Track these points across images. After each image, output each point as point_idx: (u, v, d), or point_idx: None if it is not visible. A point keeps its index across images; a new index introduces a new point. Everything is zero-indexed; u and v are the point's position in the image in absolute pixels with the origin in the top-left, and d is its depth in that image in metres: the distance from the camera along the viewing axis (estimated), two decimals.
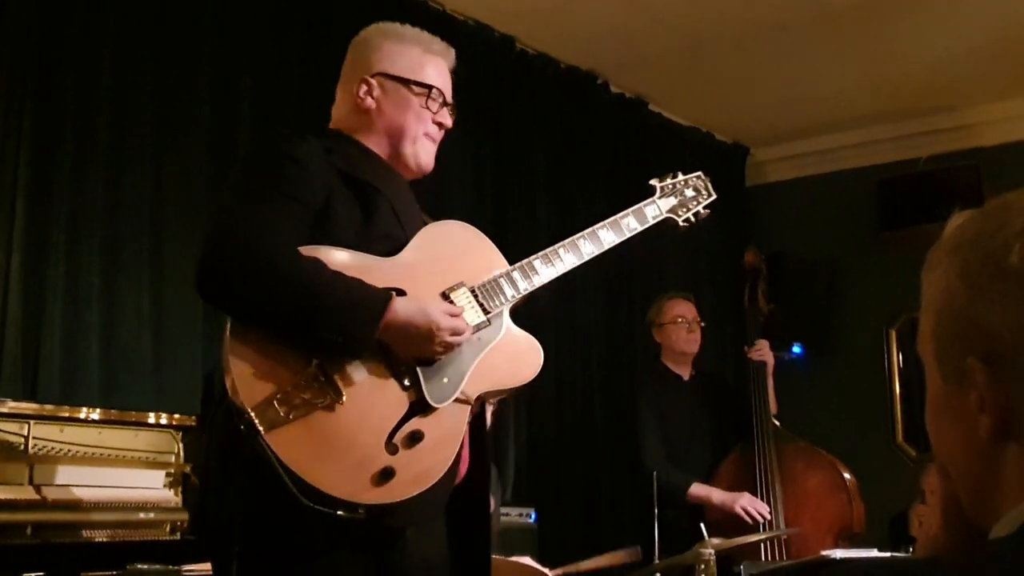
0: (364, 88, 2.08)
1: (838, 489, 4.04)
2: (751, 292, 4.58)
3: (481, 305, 1.99)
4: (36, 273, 3.05)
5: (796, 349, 5.60)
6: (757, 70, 4.98)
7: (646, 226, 2.30)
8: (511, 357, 2.04)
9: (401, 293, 1.88)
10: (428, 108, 2.10)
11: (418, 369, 1.88)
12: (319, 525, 1.74)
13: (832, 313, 5.74)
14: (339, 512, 1.73)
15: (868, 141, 5.67)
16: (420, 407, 1.87)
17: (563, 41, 4.67)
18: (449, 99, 2.16)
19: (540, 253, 2.11)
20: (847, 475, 4.05)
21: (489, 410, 3.46)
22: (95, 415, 2.74)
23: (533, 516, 3.98)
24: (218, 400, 1.90)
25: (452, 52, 2.20)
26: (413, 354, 1.88)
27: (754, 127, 5.78)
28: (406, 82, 2.09)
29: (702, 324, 4.31)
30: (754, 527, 3.90)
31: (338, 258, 1.85)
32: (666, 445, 4.09)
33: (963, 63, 4.83)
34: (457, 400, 1.92)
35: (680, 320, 4.25)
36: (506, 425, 4.23)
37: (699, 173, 2.46)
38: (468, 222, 2.14)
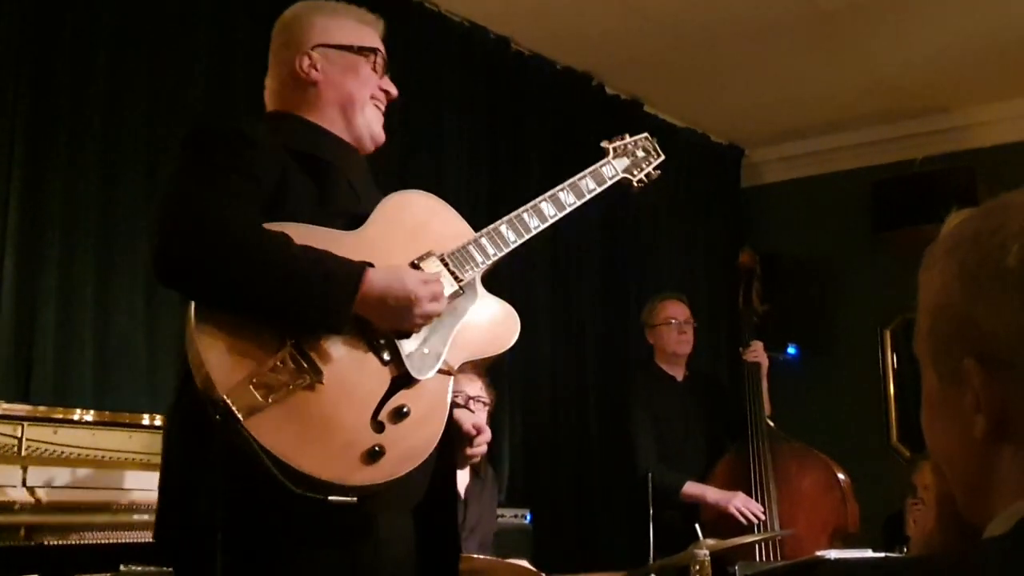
0: (307, 61, 1.98)
1: (832, 489, 4.04)
2: (745, 293, 4.59)
3: (452, 273, 1.92)
4: (29, 274, 3.05)
5: (791, 350, 5.61)
6: (752, 71, 4.98)
7: (604, 187, 2.25)
8: (488, 324, 1.98)
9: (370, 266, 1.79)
10: (375, 71, 2.02)
11: (397, 342, 1.80)
12: (300, 519, 1.66)
13: (827, 314, 5.75)
14: (331, 497, 1.65)
15: (863, 142, 5.69)
16: (403, 381, 1.79)
17: (559, 42, 4.67)
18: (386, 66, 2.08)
19: (505, 218, 2.05)
20: (841, 475, 4.05)
21: (485, 411, 3.47)
22: (88, 416, 2.73)
23: (528, 517, 3.98)
24: (176, 395, 1.80)
25: (382, 23, 2.10)
26: (392, 326, 1.79)
27: (749, 128, 5.79)
28: (349, 48, 2.00)
29: (695, 325, 4.31)
30: (748, 527, 3.91)
31: (300, 234, 1.74)
32: (660, 446, 4.09)
33: (958, 64, 4.84)
34: (440, 372, 1.85)
35: (672, 321, 4.25)
36: (500, 426, 4.23)
37: (646, 134, 2.42)
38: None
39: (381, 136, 2.05)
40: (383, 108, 2.06)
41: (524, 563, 3.12)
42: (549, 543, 4.16)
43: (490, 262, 2.00)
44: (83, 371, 3.11)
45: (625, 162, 2.34)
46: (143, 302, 3.27)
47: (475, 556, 3.07)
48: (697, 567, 3.05)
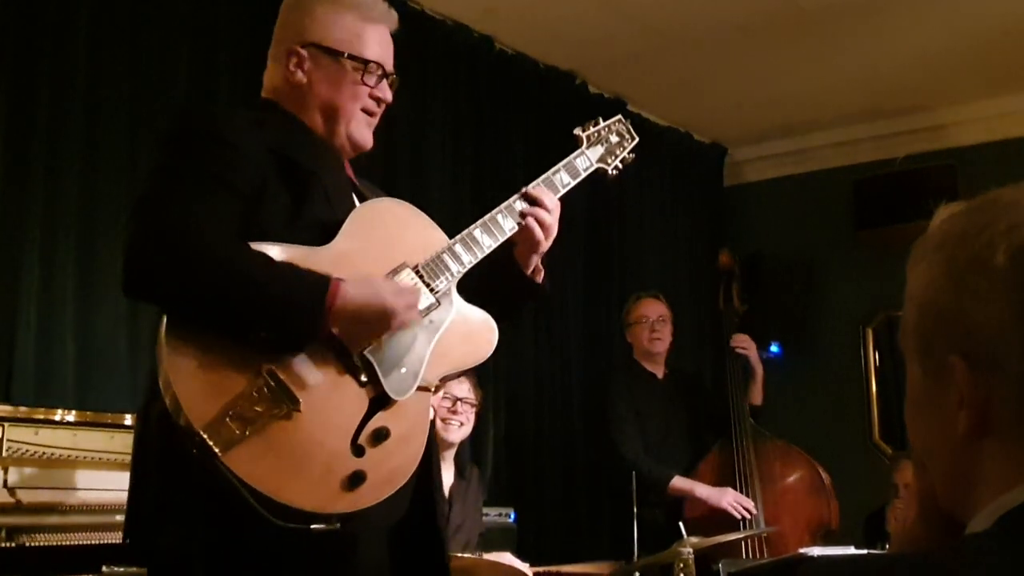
0: (295, 60, 1.92)
1: (816, 487, 4.07)
2: (726, 292, 4.62)
3: (427, 285, 1.87)
4: (10, 273, 3.02)
5: (773, 348, 5.63)
6: (735, 70, 5.00)
7: (579, 179, 2.20)
8: (466, 336, 1.92)
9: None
10: (364, 83, 1.93)
11: (373, 363, 1.75)
12: (292, 543, 1.63)
13: (809, 312, 5.77)
14: (314, 526, 1.62)
15: (845, 141, 5.71)
16: (381, 402, 1.75)
17: (542, 41, 4.67)
18: (389, 69, 1.98)
19: (478, 222, 2.00)
20: (823, 473, 4.08)
21: (473, 411, 3.46)
22: (70, 417, 2.71)
23: (512, 516, 3.98)
24: (144, 408, 1.75)
25: (393, 15, 2.00)
26: (368, 341, 1.74)
27: (732, 127, 5.81)
28: (340, 55, 1.91)
29: (672, 323, 4.32)
30: (737, 524, 3.92)
31: (273, 251, 1.70)
32: (643, 442, 4.10)
33: (939, 63, 4.87)
34: (418, 388, 1.80)
35: (644, 320, 4.27)
36: (485, 426, 4.22)
37: (619, 117, 2.36)
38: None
39: (366, 144, 1.98)
40: (376, 115, 1.99)
41: (509, 558, 3.11)
42: (533, 542, 4.16)
43: (465, 270, 1.94)
44: (64, 371, 3.08)
45: (599, 150, 2.28)
46: (125, 302, 3.24)
47: (460, 555, 3.07)
48: (681, 565, 3.06)
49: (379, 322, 1.73)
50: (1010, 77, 5.00)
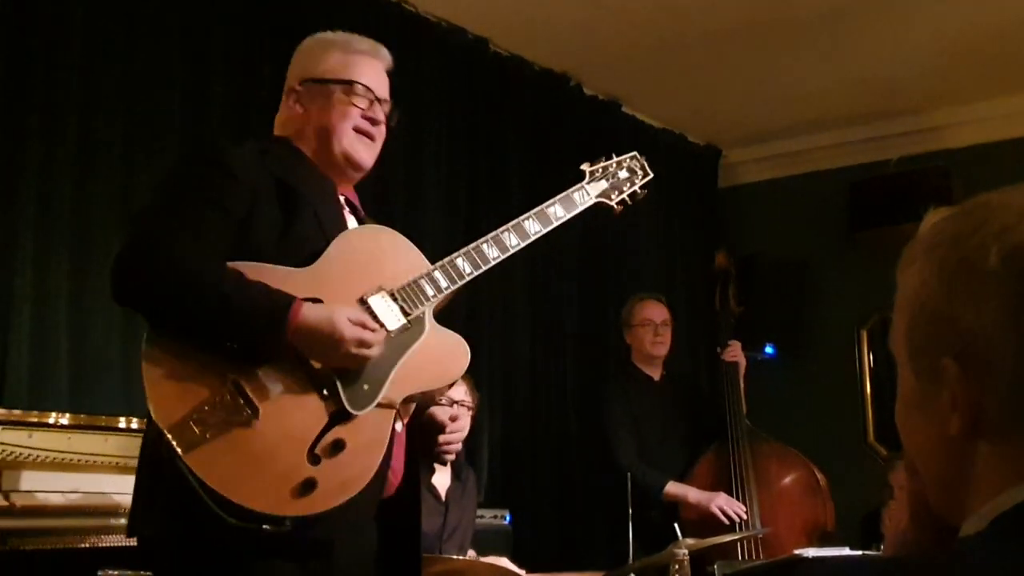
0: (293, 97, 2.11)
1: (812, 488, 4.07)
2: (722, 294, 4.62)
3: (402, 308, 1.96)
4: (3, 275, 3.02)
5: (768, 349, 5.64)
6: (730, 72, 5.00)
7: (574, 213, 2.26)
8: (436, 358, 2.01)
9: (318, 303, 1.87)
10: (353, 104, 2.08)
11: (335, 378, 1.86)
12: (246, 540, 1.75)
13: (804, 313, 5.78)
14: (264, 527, 1.74)
15: (840, 143, 5.72)
16: (341, 416, 1.86)
17: (536, 43, 4.68)
18: (381, 95, 2.12)
19: (463, 250, 2.08)
20: (819, 475, 4.08)
21: (469, 414, 3.46)
22: (64, 420, 2.71)
23: (508, 518, 3.98)
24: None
25: (382, 50, 2.16)
26: (325, 363, 1.86)
27: (727, 129, 5.81)
28: (326, 81, 2.09)
29: (673, 326, 4.32)
30: (729, 527, 3.92)
31: (253, 271, 1.85)
32: (638, 445, 4.10)
33: (933, 66, 4.88)
34: (380, 405, 1.90)
35: (647, 323, 4.27)
36: (479, 428, 4.22)
37: (634, 153, 2.42)
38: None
39: (360, 159, 2.10)
40: (373, 136, 2.10)
41: (505, 562, 3.12)
42: (528, 544, 4.16)
43: (442, 295, 2.03)
44: (59, 374, 3.08)
45: (602, 185, 2.34)
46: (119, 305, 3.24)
47: (455, 557, 3.07)
48: (677, 567, 3.06)
49: (329, 346, 1.83)
50: (1004, 79, 5.02)
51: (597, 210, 2.35)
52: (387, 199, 4.00)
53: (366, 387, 1.89)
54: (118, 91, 3.36)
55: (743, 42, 4.66)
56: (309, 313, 1.81)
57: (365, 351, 1.86)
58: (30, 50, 3.16)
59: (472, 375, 3.44)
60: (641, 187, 2.39)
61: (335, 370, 1.86)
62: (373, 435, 1.88)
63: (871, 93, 5.20)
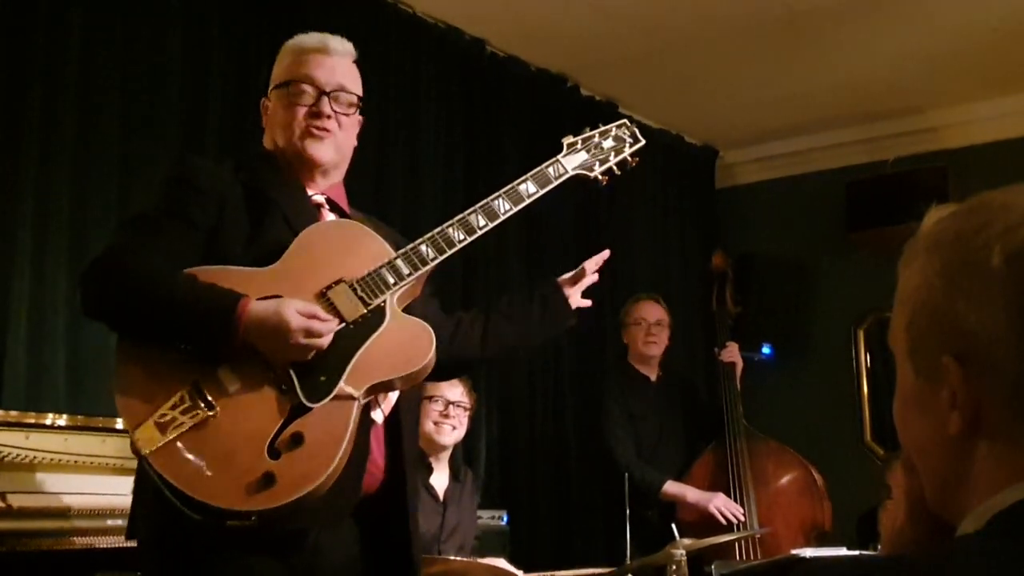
0: (264, 108, 2.18)
1: (809, 488, 4.07)
2: (719, 294, 4.62)
3: (361, 299, 1.97)
4: (1, 277, 3.01)
5: (765, 350, 5.64)
6: (727, 73, 5.00)
7: (548, 188, 2.20)
8: (398, 346, 1.98)
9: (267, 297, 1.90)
10: (298, 103, 2.09)
11: (291, 371, 1.88)
12: (214, 536, 1.80)
13: (801, 313, 5.78)
14: (229, 522, 1.77)
15: (836, 143, 5.72)
16: (300, 409, 1.88)
17: (533, 44, 4.68)
18: (330, 88, 2.09)
19: (427, 235, 2.06)
20: (816, 474, 4.08)
21: (466, 415, 3.46)
22: (61, 421, 2.70)
23: (505, 518, 3.98)
24: None
25: (333, 42, 2.15)
26: (278, 356, 1.88)
27: (723, 129, 5.82)
28: (277, 87, 2.14)
29: (670, 326, 4.32)
30: (727, 527, 3.92)
31: (212, 274, 1.91)
32: (636, 445, 4.11)
33: (929, 66, 4.88)
34: (339, 397, 1.90)
35: (640, 322, 4.27)
36: (477, 428, 4.22)
37: (622, 121, 2.36)
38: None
39: (315, 158, 2.10)
40: (323, 129, 2.09)
41: (503, 563, 3.11)
42: (526, 544, 4.16)
43: (404, 283, 2.02)
44: (55, 375, 3.07)
45: (581, 157, 2.27)
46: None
47: (453, 558, 3.07)
48: (674, 567, 3.06)
49: (278, 337, 1.85)
50: (1001, 79, 5.02)
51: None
52: (384, 199, 4.00)
53: (323, 379, 1.90)
54: (116, 93, 3.35)
55: (739, 42, 4.66)
56: (256, 308, 1.85)
57: (315, 340, 1.87)
58: (27, 52, 3.15)
59: (469, 376, 3.44)
60: (632, 155, 2.31)
61: (292, 364, 1.88)
62: (333, 427, 1.88)
63: (867, 93, 5.21)
